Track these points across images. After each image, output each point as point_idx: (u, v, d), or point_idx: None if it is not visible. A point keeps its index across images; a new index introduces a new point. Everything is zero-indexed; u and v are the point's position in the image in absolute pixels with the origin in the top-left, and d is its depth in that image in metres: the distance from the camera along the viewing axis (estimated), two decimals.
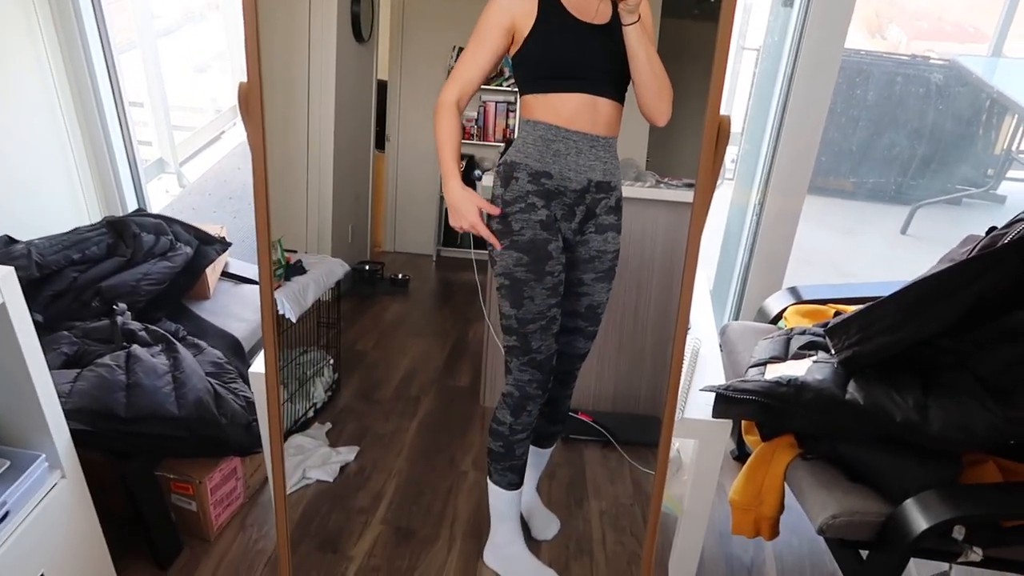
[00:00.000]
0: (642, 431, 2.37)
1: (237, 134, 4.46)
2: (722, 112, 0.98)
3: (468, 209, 1.44)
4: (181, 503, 1.78)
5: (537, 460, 1.84)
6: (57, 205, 2.20)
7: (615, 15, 1.39)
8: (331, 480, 2.04)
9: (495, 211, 1.48)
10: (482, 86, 1.54)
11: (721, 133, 0.89)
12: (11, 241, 1.85)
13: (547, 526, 1.89)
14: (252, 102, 0.88)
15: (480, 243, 1.55)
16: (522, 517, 1.84)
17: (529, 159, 1.46)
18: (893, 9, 4.35)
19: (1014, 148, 3.58)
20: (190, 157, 3.87)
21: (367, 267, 3.34)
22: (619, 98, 1.45)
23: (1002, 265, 1.36)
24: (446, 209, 2.23)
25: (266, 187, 0.92)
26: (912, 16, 4.34)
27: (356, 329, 3.03)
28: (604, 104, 1.43)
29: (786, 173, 2.07)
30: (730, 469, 2.06)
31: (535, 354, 1.54)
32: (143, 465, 1.65)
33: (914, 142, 3.50)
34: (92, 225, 1.94)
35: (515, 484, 1.68)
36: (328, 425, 2.28)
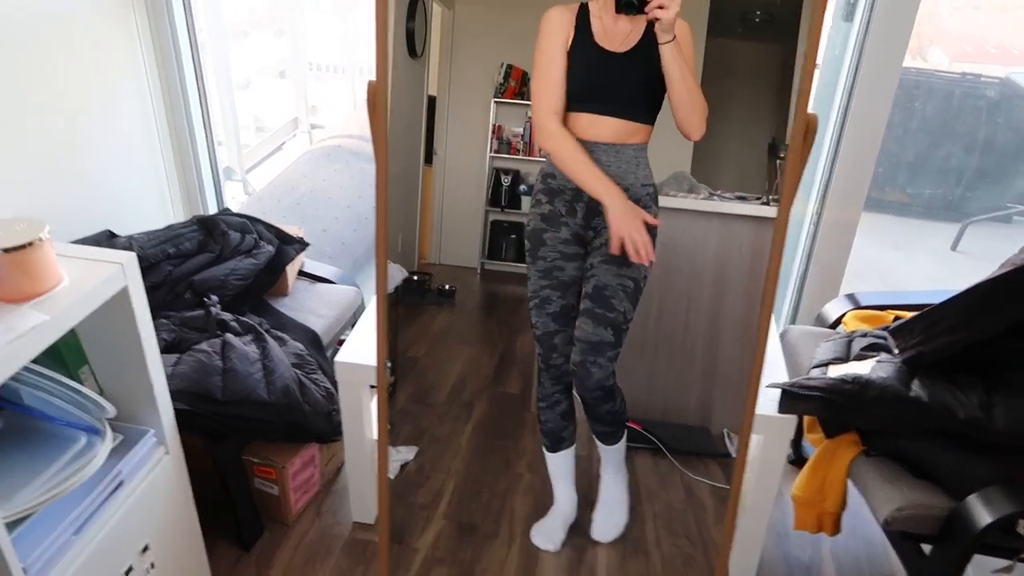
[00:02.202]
0: (692, 440, 2.41)
1: (298, 145, 4.63)
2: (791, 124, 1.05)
3: (635, 218, 1.54)
4: (264, 487, 1.88)
5: (602, 454, 1.91)
6: (148, 205, 2.34)
7: (646, 38, 1.50)
8: (392, 477, 2.12)
9: (656, 222, 1.61)
10: (528, 103, 1.68)
11: (809, 130, 0.97)
12: (112, 235, 1.98)
13: (605, 527, 1.94)
14: (379, 99, 0.97)
15: (524, 256, 1.73)
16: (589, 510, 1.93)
17: (545, 165, 1.68)
18: (935, 31, 4.34)
19: None
20: (254, 166, 4.03)
21: (415, 277, 3.44)
22: (631, 117, 1.58)
23: None
24: (492, 222, 2.37)
25: (386, 181, 1.02)
26: (955, 38, 4.33)
27: (407, 337, 3.12)
28: (611, 122, 1.58)
29: (844, 185, 2.13)
30: (787, 472, 2.10)
31: (535, 329, 1.74)
32: (233, 447, 1.75)
33: (970, 154, 3.52)
34: (184, 222, 2.07)
35: (548, 447, 1.90)
36: (388, 425, 2.36)
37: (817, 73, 2.21)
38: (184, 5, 2.28)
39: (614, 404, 1.75)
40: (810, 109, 0.91)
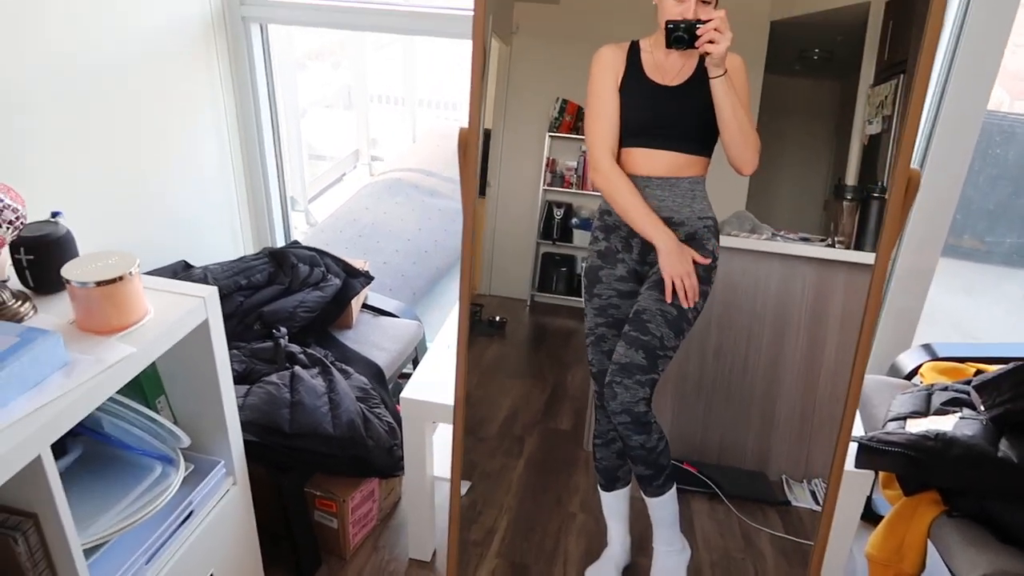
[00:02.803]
0: (749, 486, 2.34)
1: (358, 177, 4.72)
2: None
3: (685, 261, 1.55)
4: (323, 520, 1.88)
5: (650, 512, 1.85)
6: (220, 236, 2.40)
7: (698, 72, 1.50)
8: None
9: (704, 261, 1.60)
10: (582, 137, 1.69)
11: (910, 187, 0.94)
12: (188, 266, 2.03)
13: None
14: (471, 146, 0.98)
15: (576, 290, 1.74)
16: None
17: (603, 202, 1.68)
18: None
19: None
20: (315, 196, 4.11)
21: None
22: (685, 150, 1.57)
23: None
24: (543, 254, 2.38)
25: (472, 223, 1.02)
26: (1013, 76, 4.24)
27: None
28: (665, 156, 1.57)
29: (921, 232, 2.06)
30: (858, 528, 2.02)
31: (591, 366, 1.74)
32: (298, 479, 1.76)
33: None
34: (256, 254, 2.11)
35: (603, 485, 1.88)
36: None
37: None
38: (262, 37, 2.35)
39: (647, 438, 1.72)
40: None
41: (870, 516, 2.03)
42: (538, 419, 2.76)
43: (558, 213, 2.69)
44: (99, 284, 1.21)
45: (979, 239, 3.45)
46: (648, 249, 1.64)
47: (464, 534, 2.03)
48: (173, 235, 2.16)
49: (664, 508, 1.84)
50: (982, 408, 1.53)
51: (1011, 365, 1.52)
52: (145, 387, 1.44)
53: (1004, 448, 1.43)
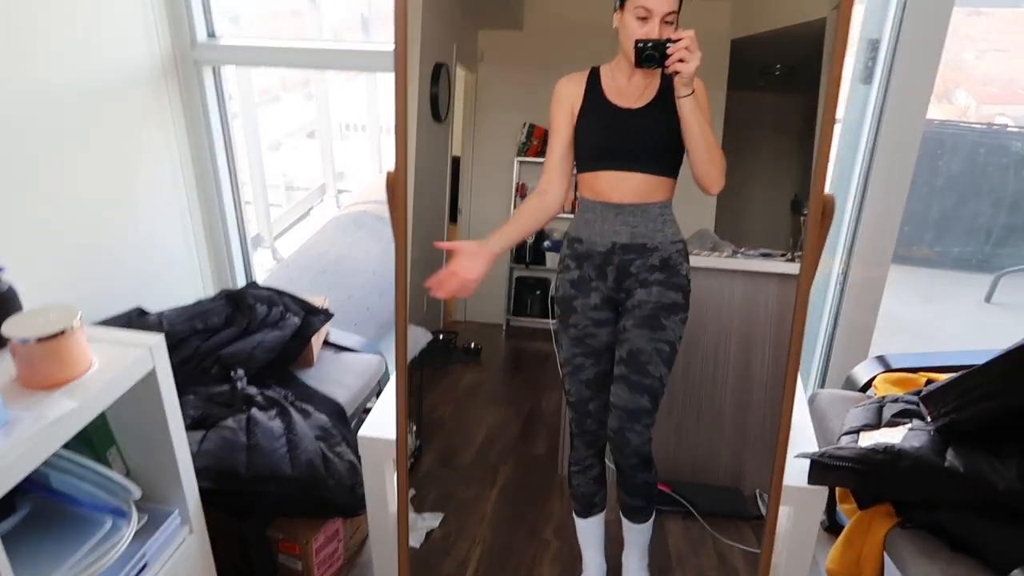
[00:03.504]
0: (723, 502, 2.35)
1: (326, 211, 4.73)
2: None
3: (474, 266, 1.62)
4: (287, 563, 1.87)
5: (627, 535, 1.87)
6: (178, 280, 2.40)
7: (661, 94, 1.52)
8: (418, 546, 2.09)
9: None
10: None
11: (826, 211, 0.96)
12: (143, 313, 2.02)
13: None
14: (398, 189, 0.99)
15: (549, 312, 1.74)
16: None
17: (570, 229, 1.68)
18: (959, 74, 4.34)
19: None
20: (282, 233, 4.11)
21: (441, 336, 3.44)
22: (653, 171, 1.58)
23: None
24: (517, 278, 2.38)
25: (406, 269, 1.03)
26: (980, 81, 4.32)
27: (433, 397, 3.10)
28: (634, 178, 1.58)
29: (869, 244, 2.11)
30: (822, 540, 2.03)
31: (568, 395, 1.73)
32: (258, 524, 1.75)
33: (998, 211, 3.47)
34: (212, 297, 2.11)
35: (579, 512, 1.87)
36: (412, 491, 2.34)
37: (839, 130, 2.22)
38: (215, 79, 2.36)
39: (650, 473, 1.74)
40: (831, 168, 0.91)
41: (837, 529, 2.05)
42: (513, 445, 2.76)
43: (530, 237, 2.69)
44: (40, 340, 1.21)
45: (929, 248, 3.52)
46: (625, 275, 1.64)
47: (438, 567, 2.02)
48: (128, 282, 2.15)
49: (645, 532, 1.86)
50: (929, 419, 1.56)
51: (956, 375, 1.55)
52: (94, 439, 1.44)
53: (951, 458, 1.45)
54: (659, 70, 1.45)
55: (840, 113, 2.20)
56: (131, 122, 2.15)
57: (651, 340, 1.63)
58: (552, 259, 2.29)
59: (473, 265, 1.60)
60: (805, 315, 1.02)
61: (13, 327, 1.23)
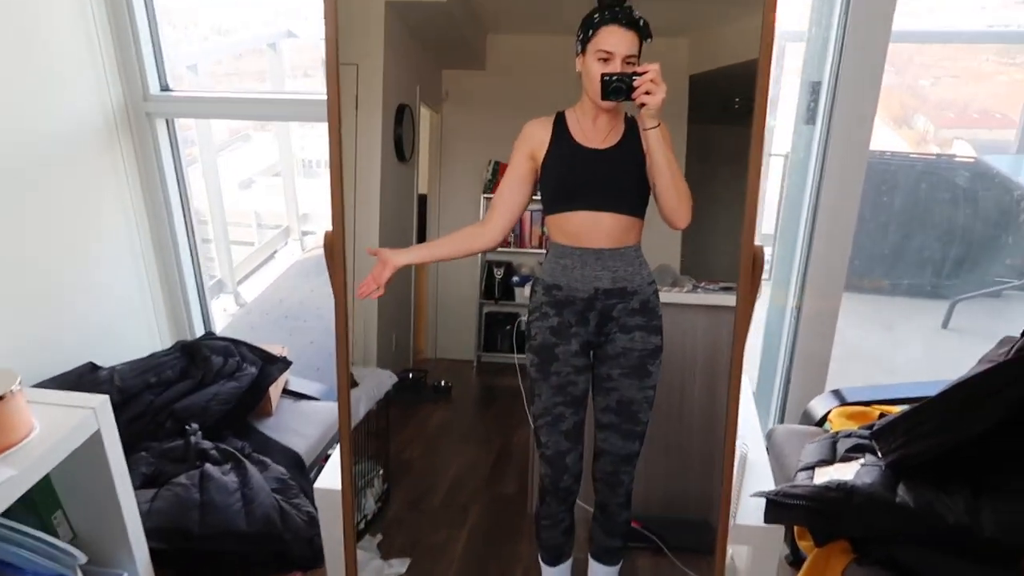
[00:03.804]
0: (694, 536, 2.34)
1: (290, 253, 4.71)
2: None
3: (382, 273, 1.58)
4: None
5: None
6: (132, 331, 2.36)
7: (626, 136, 1.54)
8: None
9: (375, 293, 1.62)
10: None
11: (756, 263, 0.98)
12: (95, 368, 1.99)
13: None
14: (336, 249, 1.00)
15: (520, 347, 1.70)
16: None
17: (544, 275, 1.64)
18: (916, 100, 4.45)
19: None
20: (246, 276, 4.09)
21: (411, 375, 3.41)
22: (625, 211, 1.58)
23: None
24: (487, 314, 2.36)
25: (346, 328, 1.03)
26: (936, 106, 4.44)
27: (402, 437, 3.07)
28: (607, 219, 1.57)
29: (821, 277, 2.15)
30: (787, 573, 2.03)
31: (544, 448, 1.67)
32: None
33: (945, 244, 3.56)
34: (167, 350, 2.08)
35: (548, 561, 1.85)
36: (379, 536, 2.31)
37: (785, 169, 2.27)
38: (168, 130, 2.36)
39: (630, 512, 1.76)
40: (782, 202, 0.92)
41: (800, 563, 2.05)
42: (483, 485, 2.73)
43: (498, 272, 2.69)
44: None
45: (881, 280, 3.59)
46: (606, 320, 1.63)
47: None
48: (80, 336, 2.12)
49: (616, 572, 1.85)
50: (880, 455, 1.58)
51: (904, 410, 1.57)
52: (39, 503, 1.40)
53: (902, 493, 1.47)
54: (623, 111, 1.48)
55: (786, 152, 2.26)
56: (81, 173, 2.13)
57: (640, 389, 1.64)
58: (521, 295, 2.30)
59: (380, 271, 1.58)
60: (741, 372, 1.04)
61: None
